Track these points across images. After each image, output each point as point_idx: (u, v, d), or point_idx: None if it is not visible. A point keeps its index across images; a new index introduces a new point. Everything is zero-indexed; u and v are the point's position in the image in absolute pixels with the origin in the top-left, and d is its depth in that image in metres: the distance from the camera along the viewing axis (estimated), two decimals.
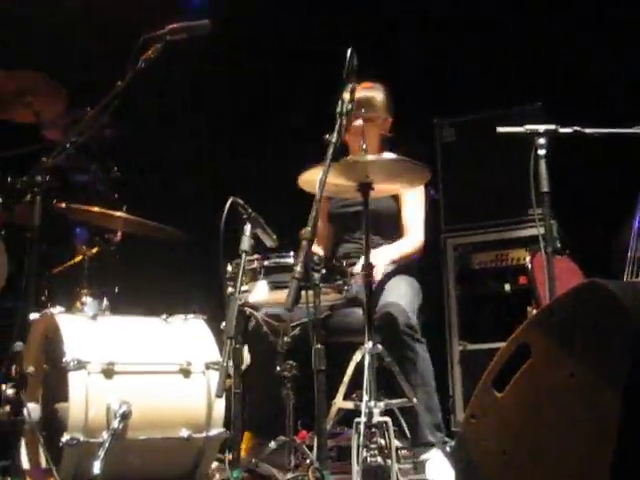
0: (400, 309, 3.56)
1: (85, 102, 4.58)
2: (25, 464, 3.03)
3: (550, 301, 3.18)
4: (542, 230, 3.32)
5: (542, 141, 3.26)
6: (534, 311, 4.06)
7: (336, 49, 3.10)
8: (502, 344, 2.10)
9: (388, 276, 3.75)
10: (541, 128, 3.27)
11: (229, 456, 2.92)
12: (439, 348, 4.79)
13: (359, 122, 3.73)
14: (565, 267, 4.05)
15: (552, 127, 3.27)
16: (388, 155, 3.84)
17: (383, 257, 3.67)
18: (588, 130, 3.26)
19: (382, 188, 3.32)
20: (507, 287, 4.67)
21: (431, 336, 4.56)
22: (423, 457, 3.32)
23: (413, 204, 3.95)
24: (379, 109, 3.91)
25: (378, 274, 3.53)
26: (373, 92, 3.90)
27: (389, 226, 3.89)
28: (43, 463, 3.02)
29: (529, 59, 5.00)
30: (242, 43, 5.51)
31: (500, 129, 3.36)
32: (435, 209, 4.94)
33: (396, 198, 3.93)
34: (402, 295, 3.66)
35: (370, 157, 3.26)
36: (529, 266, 4.04)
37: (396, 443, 3.06)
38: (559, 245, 4.38)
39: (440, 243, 4.88)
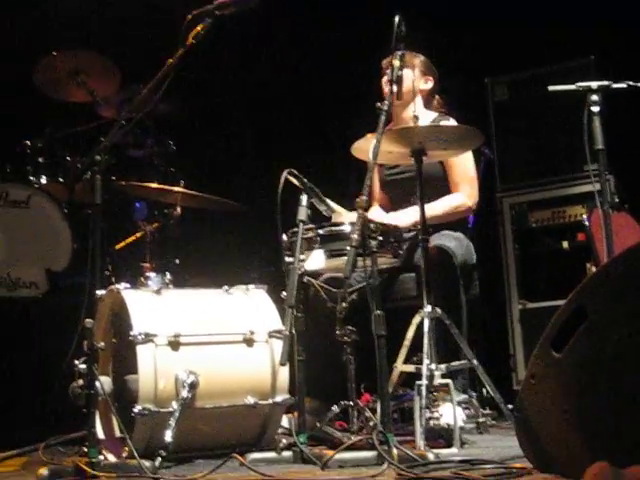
0: (440, 248, 3.58)
1: (138, 79, 4.66)
2: (100, 435, 3.14)
3: (608, 257, 3.17)
4: (597, 186, 3.30)
5: (595, 97, 3.23)
6: (593, 268, 4.05)
7: (387, 14, 3.10)
8: (562, 302, 2.10)
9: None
10: (594, 84, 3.23)
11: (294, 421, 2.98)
12: (499, 307, 4.80)
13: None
14: (624, 222, 4.02)
15: (605, 83, 3.23)
16: (428, 114, 3.89)
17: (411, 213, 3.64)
18: None
19: (437, 154, 3.33)
20: (565, 244, 4.65)
21: (490, 295, 4.61)
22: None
23: (459, 165, 3.89)
24: (411, 65, 3.82)
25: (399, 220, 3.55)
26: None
27: (437, 191, 3.86)
28: (117, 433, 3.12)
29: (582, 12, 4.91)
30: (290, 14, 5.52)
31: (551, 87, 3.34)
32: (490, 168, 4.93)
33: (442, 164, 3.91)
34: (445, 241, 3.69)
35: (421, 124, 3.27)
36: (586, 223, 4.03)
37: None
38: (617, 200, 4.35)
39: (496, 202, 4.86)
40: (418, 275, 3.60)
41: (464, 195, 3.87)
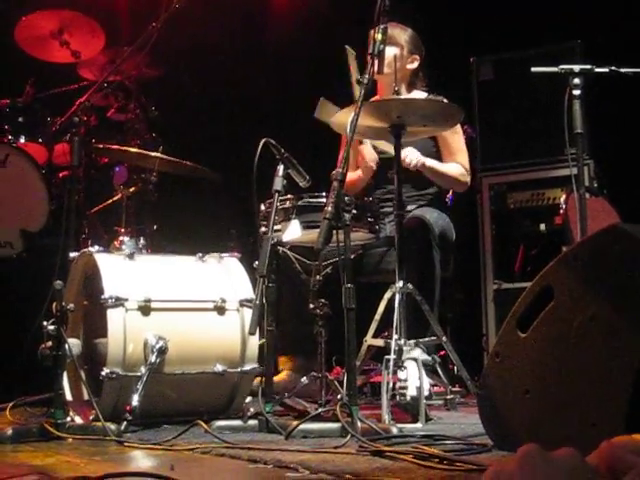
0: (419, 218, 3.62)
1: (122, 41, 4.64)
2: (68, 396, 3.14)
3: None
4: (575, 170, 3.31)
5: (577, 81, 3.23)
6: None
7: None
8: None
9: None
10: (576, 67, 3.23)
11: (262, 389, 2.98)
12: (474, 286, 4.82)
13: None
14: (601, 208, 4.04)
15: (587, 66, 3.23)
16: (419, 94, 3.87)
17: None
18: (624, 70, 3.22)
19: (417, 130, 3.31)
20: (542, 227, 4.65)
21: (466, 274, 4.62)
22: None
23: (455, 142, 3.93)
24: (399, 44, 3.84)
25: (412, 158, 3.62)
26: (393, 30, 3.72)
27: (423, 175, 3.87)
28: (85, 396, 3.13)
29: None
30: None
31: (534, 68, 3.33)
32: (471, 148, 4.92)
33: (435, 140, 3.91)
34: (425, 213, 3.71)
35: (400, 97, 3.25)
36: (563, 206, 4.03)
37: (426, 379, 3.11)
38: (596, 185, 4.36)
39: (476, 182, 4.86)
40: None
41: (458, 169, 3.92)
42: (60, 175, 4.74)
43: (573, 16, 4.84)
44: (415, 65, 3.94)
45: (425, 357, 3.25)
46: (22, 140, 4.71)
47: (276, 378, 3.59)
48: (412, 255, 3.32)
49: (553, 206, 4.60)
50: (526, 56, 4.69)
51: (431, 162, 3.75)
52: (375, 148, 3.81)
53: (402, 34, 3.86)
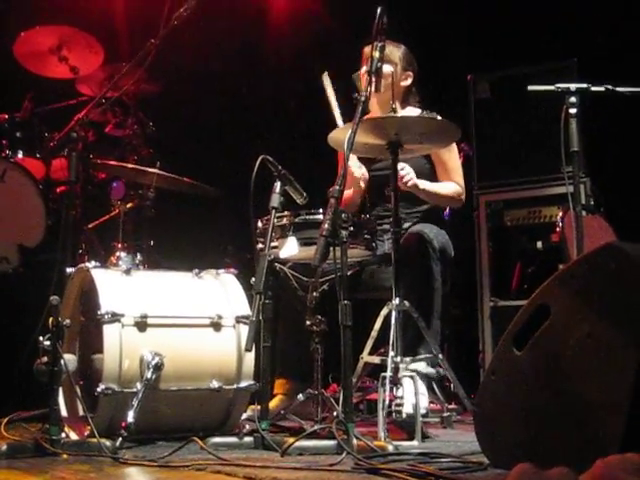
0: (418, 233, 3.61)
1: (120, 57, 4.65)
2: (63, 412, 3.13)
3: None
4: (571, 189, 3.32)
5: (573, 99, 3.24)
6: None
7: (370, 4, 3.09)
8: None
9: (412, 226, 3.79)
10: (572, 86, 3.24)
11: (258, 407, 2.98)
12: (470, 303, 4.82)
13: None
14: (597, 226, 4.04)
15: (583, 85, 3.24)
16: (413, 111, 3.89)
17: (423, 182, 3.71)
18: (620, 89, 3.23)
19: (413, 148, 3.32)
20: (539, 244, 4.66)
21: (462, 291, 4.62)
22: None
23: (451, 160, 3.93)
24: (393, 62, 3.81)
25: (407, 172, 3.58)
26: (387, 47, 3.71)
27: None
28: (80, 411, 3.12)
29: (567, 13, 4.93)
30: None
31: (531, 87, 3.34)
32: (468, 165, 4.93)
33: (428, 158, 3.92)
34: (425, 228, 3.70)
35: (398, 115, 3.26)
36: (560, 224, 4.04)
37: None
38: (592, 203, 4.37)
39: (472, 199, 4.87)
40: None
41: (452, 187, 3.92)
42: (57, 190, 4.75)
43: (570, 34, 4.87)
44: (409, 82, 3.95)
45: (429, 370, 3.26)
46: (20, 155, 4.72)
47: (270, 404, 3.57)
48: (412, 269, 3.32)
49: (550, 224, 4.60)
50: (523, 74, 4.70)
51: (424, 184, 3.72)
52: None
53: (396, 51, 3.86)
